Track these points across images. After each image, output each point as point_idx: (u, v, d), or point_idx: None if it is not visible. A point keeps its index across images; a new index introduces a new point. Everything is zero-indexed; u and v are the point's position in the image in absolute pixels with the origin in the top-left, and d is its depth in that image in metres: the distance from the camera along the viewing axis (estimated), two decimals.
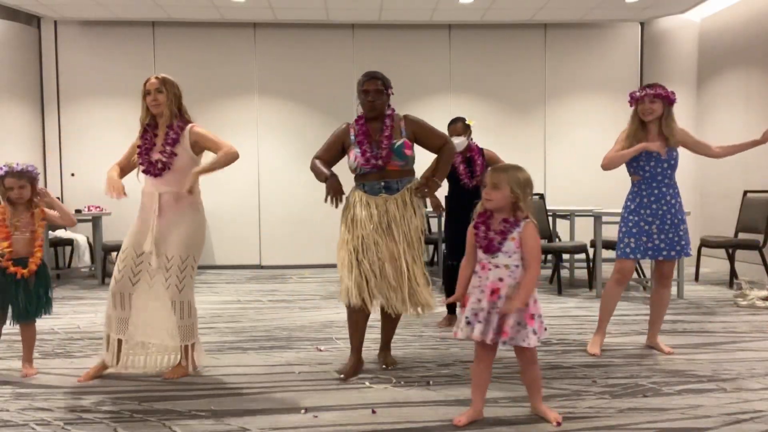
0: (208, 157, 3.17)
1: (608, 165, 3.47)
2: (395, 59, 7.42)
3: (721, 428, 2.41)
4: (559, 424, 2.44)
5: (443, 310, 4.30)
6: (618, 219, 3.62)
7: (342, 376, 3.10)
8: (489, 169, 2.46)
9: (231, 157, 3.04)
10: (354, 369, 3.17)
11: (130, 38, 7.27)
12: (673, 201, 3.43)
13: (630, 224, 3.46)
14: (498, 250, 2.37)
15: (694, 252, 6.20)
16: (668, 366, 3.24)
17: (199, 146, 3.11)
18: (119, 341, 3.10)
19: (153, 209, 3.04)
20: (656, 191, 3.42)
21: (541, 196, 6.17)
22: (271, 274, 6.91)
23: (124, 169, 3.18)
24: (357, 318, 3.15)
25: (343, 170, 3.24)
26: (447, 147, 3.30)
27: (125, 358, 3.14)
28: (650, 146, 3.33)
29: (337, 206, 3.13)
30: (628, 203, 3.51)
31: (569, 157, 7.53)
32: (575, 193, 7.36)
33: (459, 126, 4.24)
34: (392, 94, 3.28)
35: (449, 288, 4.30)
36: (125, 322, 3.09)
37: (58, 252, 6.99)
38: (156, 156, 3.05)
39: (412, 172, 3.25)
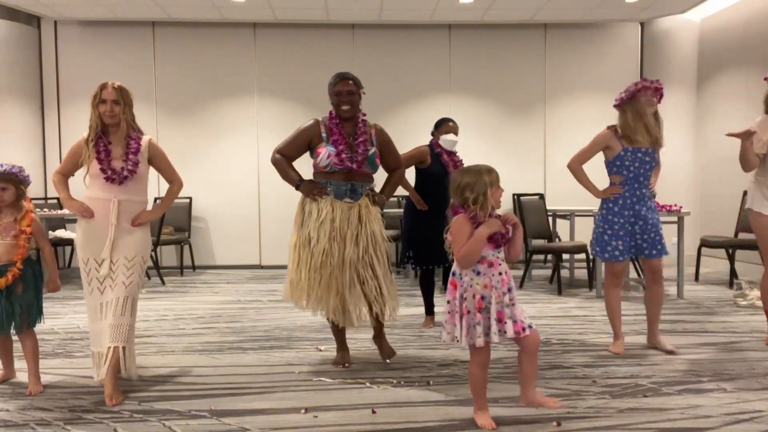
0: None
1: (572, 170, 3.61)
2: (395, 59, 7.42)
3: (721, 428, 2.41)
4: (560, 410, 2.47)
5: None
6: None
7: (348, 365, 3.28)
8: None
9: (179, 190, 3.27)
10: (347, 357, 3.36)
11: (130, 38, 7.26)
12: (650, 202, 3.49)
13: (616, 227, 3.47)
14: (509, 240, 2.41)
15: (694, 252, 6.22)
16: (668, 366, 3.24)
17: (153, 162, 3.14)
18: (99, 354, 2.96)
19: (109, 217, 2.96)
20: (638, 192, 3.45)
21: (541, 196, 6.18)
22: (271, 274, 6.91)
23: (67, 175, 3.12)
24: (336, 328, 3.35)
25: (303, 165, 3.27)
26: (399, 172, 3.49)
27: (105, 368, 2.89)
28: (611, 192, 3.50)
29: (322, 196, 3.18)
30: (610, 204, 3.50)
31: (569, 157, 7.51)
32: (575, 193, 7.31)
33: (456, 126, 4.23)
34: (364, 93, 3.34)
35: (426, 292, 4.35)
36: (103, 333, 2.95)
37: (58, 252, 6.99)
38: (120, 164, 2.98)
39: (373, 178, 3.34)
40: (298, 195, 3.33)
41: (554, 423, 2.46)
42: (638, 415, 2.56)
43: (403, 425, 2.47)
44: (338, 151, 3.16)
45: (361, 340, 3.81)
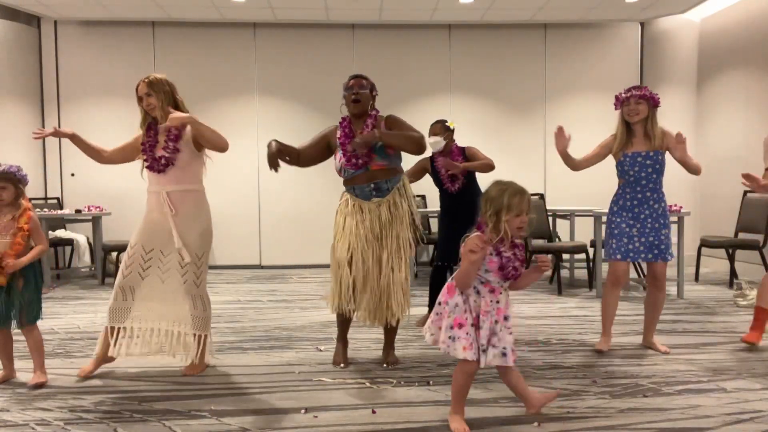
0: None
1: (574, 167, 3.60)
2: (395, 59, 7.43)
3: (721, 428, 2.41)
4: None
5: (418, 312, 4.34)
6: None
7: (342, 365, 3.27)
8: None
9: (221, 140, 3.02)
10: (344, 355, 3.36)
11: (130, 38, 7.26)
12: (656, 206, 3.47)
13: (612, 225, 3.54)
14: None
15: (693, 252, 6.22)
16: (668, 366, 3.24)
17: (200, 140, 3.09)
18: (118, 330, 3.14)
19: (165, 208, 3.07)
20: (639, 195, 3.46)
21: (541, 196, 6.17)
22: (271, 274, 6.91)
23: (106, 154, 3.26)
24: (342, 318, 3.34)
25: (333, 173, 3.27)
26: (412, 134, 3.08)
27: (124, 346, 3.16)
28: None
29: (274, 170, 3.11)
30: (612, 205, 3.58)
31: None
32: (575, 193, 7.36)
33: (437, 126, 4.22)
34: (376, 94, 3.32)
35: (433, 289, 4.33)
36: (127, 311, 3.16)
37: (58, 252, 6.99)
38: (159, 152, 3.08)
39: (400, 171, 3.26)
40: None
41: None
42: (638, 415, 2.56)
43: (403, 425, 2.47)
44: (344, 152, 3.17)
45: (361, 340, 3.81)
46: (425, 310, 4.43)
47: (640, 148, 3.44)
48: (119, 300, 3.14)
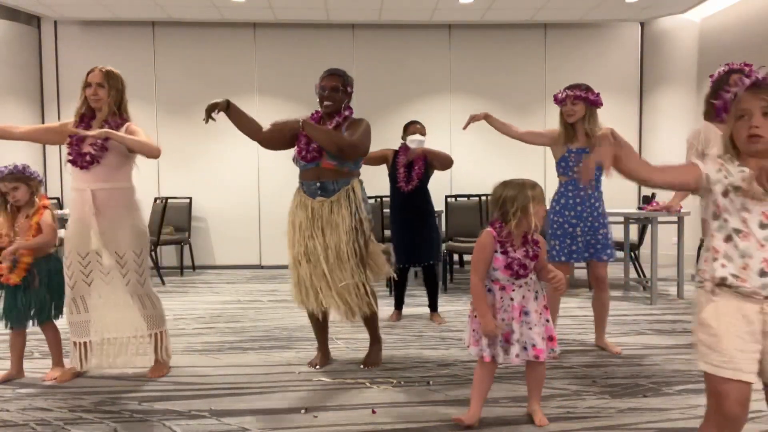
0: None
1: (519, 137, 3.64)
2: (395, 59, 7.42)
3: None
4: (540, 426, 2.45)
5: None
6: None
7: (317, 366, 3.27)
8: None
9: (147, 147, 2.91)
10: (322, 360, 3.33)
11: (130, 38, 7.27)
12: (596, 204, 3.45)
13: (555, 226, 3.48)
14: (528, 274, 2.36)
15: (693, 252, 6.21)
16: (668, 366, 3.24)
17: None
18: (85, 344, 3.04)
19: (88, 207, 2.93)
20: (582, 193, 3.44)
21: None
22: (271, 274, 6.91)
23: (18, 131, 3.04)
24: (314, 320, 3.30)
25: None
26: (337, 135, 3.04)
27: (95, 359, 3.08)
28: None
29: (206, 121, 3.19)
30: (554, 204, 3.53)
31: None
32: None
33: (420, 126, 4.25)
34: (351, 92, 3.26)
35: (397, 289, 4.47)
36: (86, 324, 3.03)
37: (57, 252, 6.98)
38: (86, 148, 2.94)
39: (351, 174, 3.17)
40: None
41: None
42: (638, 415, 2.56)
43: (403, 425, 2.48)
44: (298, 142, 3.17)
45: (361, 341, 3.80)
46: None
47: (583, 145, 3.42)
48: (74, 313, 3.02)
